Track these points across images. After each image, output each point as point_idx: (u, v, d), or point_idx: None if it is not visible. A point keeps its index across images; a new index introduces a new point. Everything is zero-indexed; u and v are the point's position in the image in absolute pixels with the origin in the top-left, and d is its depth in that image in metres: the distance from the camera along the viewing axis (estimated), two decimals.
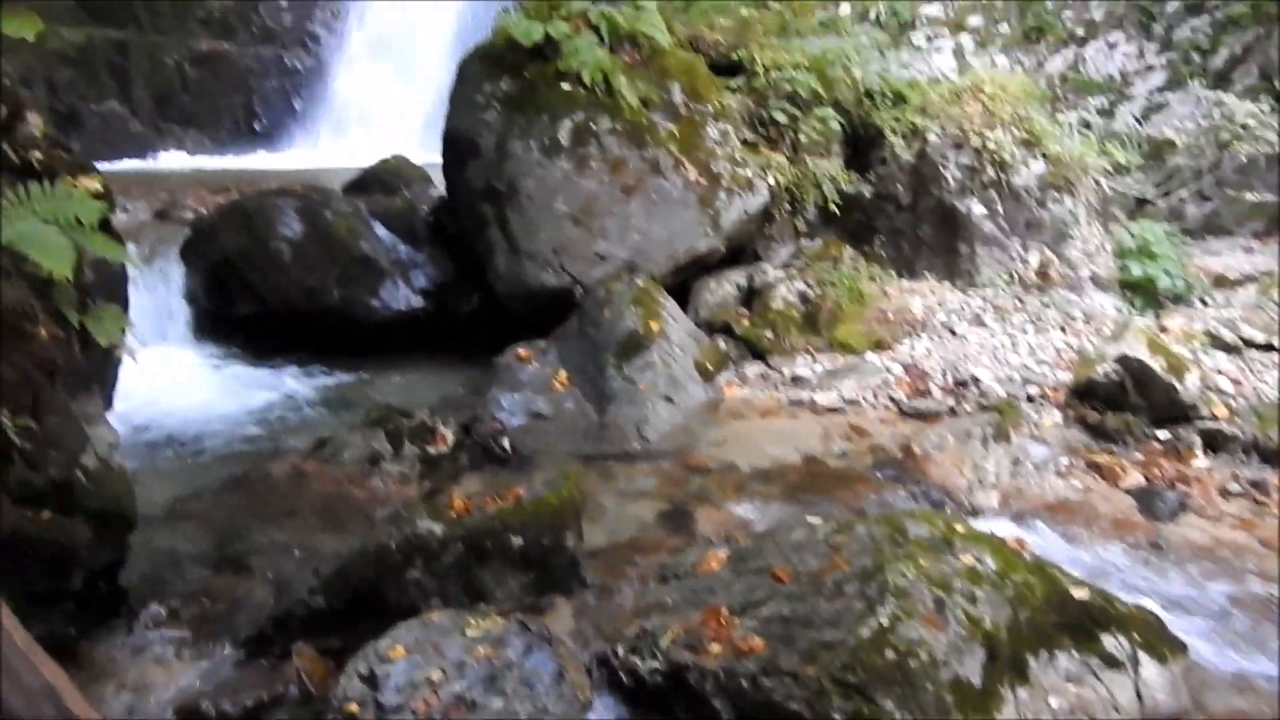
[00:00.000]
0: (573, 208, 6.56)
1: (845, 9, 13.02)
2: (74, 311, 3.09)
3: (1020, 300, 6.76)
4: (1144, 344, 5.38)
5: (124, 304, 4.10)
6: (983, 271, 6.97)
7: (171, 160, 12.98)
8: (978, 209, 6.96)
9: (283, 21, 15.72)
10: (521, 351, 6.19)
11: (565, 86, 6.71)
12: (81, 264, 3.09)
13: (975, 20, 11.38)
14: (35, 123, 3.26)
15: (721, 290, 6.98)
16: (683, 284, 6.90)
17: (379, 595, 3.51)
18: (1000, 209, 6.94)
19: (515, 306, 6.84)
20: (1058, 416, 5.55)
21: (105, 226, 3.27)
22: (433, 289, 7.34)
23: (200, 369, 6.80)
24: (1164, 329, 6.13)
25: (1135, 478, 4.94)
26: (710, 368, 6.25)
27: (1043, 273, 6.86)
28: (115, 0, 13.33)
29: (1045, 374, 6.01)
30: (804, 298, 6.76)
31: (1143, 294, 6.82)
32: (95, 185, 3.34)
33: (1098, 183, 7.21)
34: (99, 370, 3.55)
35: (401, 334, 7.20)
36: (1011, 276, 6.93)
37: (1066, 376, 5.85)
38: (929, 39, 11.56)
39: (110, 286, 3.77)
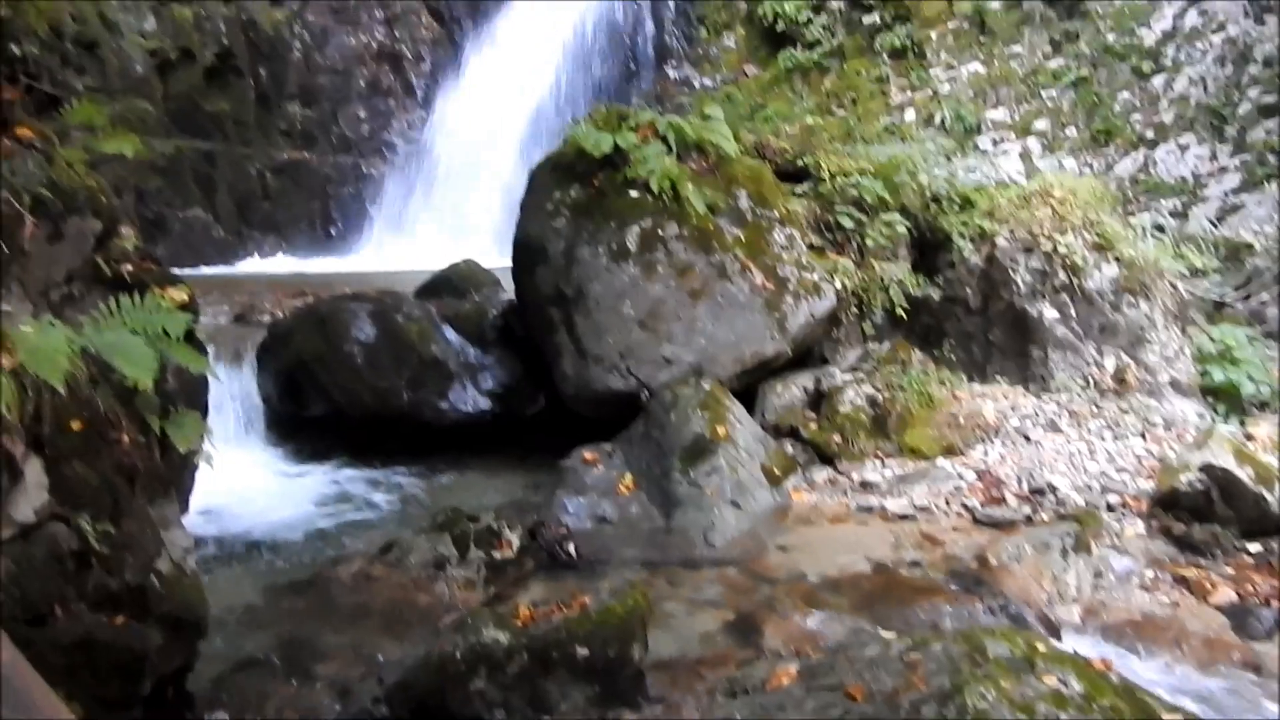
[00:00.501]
0: (640, 312, 6.60)
1: (910, 115, 13.20)
2: (155, 418, 3.16)
3: (1097, 406, 6.60)
4: (1230, 452, 5.20)
5: (203, 410, 4.18)
6: (1056, 376, 6.84)
7: (251, 265, 13.41)
8: (1050, 313, 6.87)
9: (361, 132, 16.36)
10: (587, 454, 6.19)
11: (633, 194, 6.82)
12: (164, 372, 3.18)
13: (1041, 124, 11.43)
14: (128, 236, 3.40)
15: (788, 393, 6.94)
16: (749, 387, 6.87)
17: (443, 705, 3.46)
18: (1073, 313, 6.85)
19: (581, 409, 6.87)
20: (1141, 527, 5.36)
21: (189, 335, 3.36)
22: (500, 391, 7.41)
23: (272, 470, 6.89)
24: (1250, 437, 5.93)
25: (1226, 593, 4.72)
26: (778, 472, 6.18)
27: (1120, 378, 6.71)
28: (204, 113, 14.02)
29: (1126, 482, 5.82)
30: (872, 401, 6.69)
31: (1226, 400, 6.63)
32: (182, 297, 3.45)
33: (1174, 286, 7.09)
34: (176, 475, 3.61)
35: (469, 436, 7.25)
36: (1087, 381, 6.78)
37: (1149, 485, 5.66)
38: (995, 142, 11.64)
39: (190, 392, 3.86)
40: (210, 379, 4.27)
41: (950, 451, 6.37)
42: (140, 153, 3.55)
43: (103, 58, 12.40)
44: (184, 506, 3.86)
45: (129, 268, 3.26)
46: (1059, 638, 4.15)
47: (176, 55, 13.98)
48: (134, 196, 11.94)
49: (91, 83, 11.37)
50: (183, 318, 3.22)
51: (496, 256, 9.56)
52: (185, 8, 14.34)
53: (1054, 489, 5.77)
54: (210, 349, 5.33)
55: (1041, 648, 3.34)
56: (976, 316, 7.16)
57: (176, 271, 4.09)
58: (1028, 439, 6.37)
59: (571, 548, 5.26)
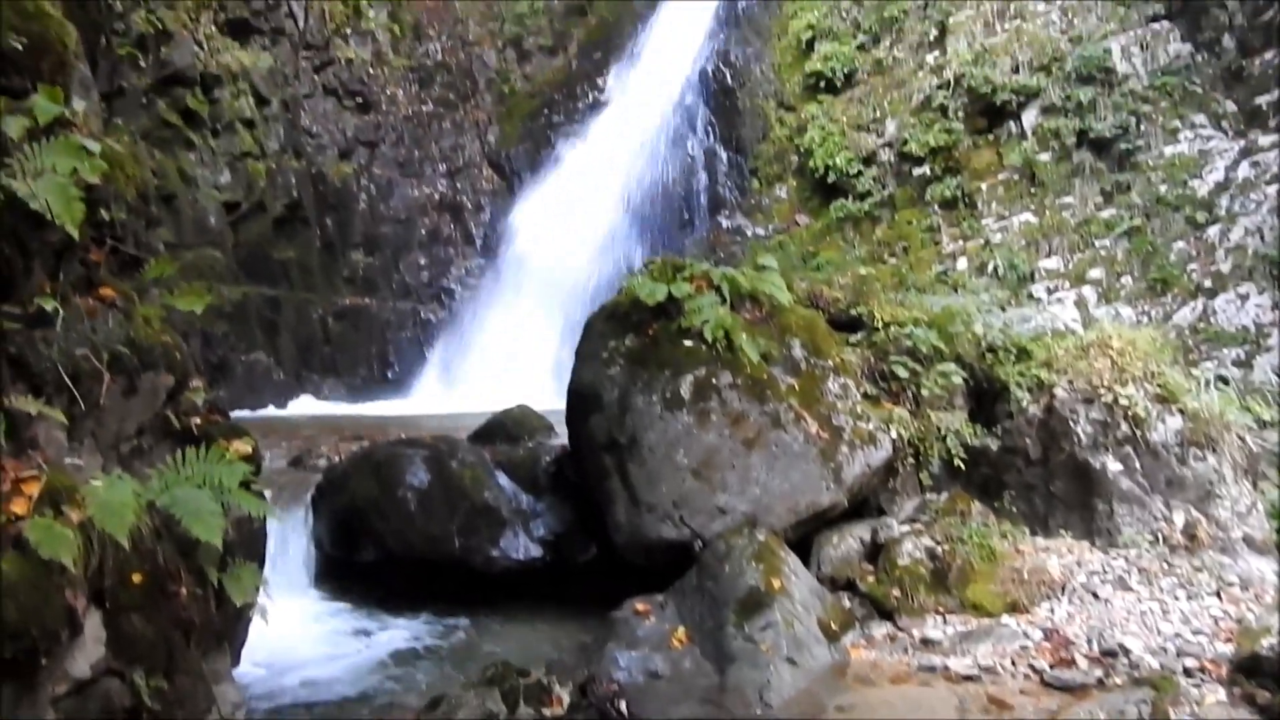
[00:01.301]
0: (693, 460, 6.57)
1: (962, 263, 13.33)
2: (214, 570, 3.17)
3: (1168, 563, 6.37)
4: None
5: (260, 561, 4.20)
6: (1123, 531, 6.64)
7: (309, 406, 13.65)
8: (1113, 465, 6.72)
9: (420, 278, 16.86)
10: (639, 606, 6.07)
11: (687, 343, 6.88)
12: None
13: (1096, 273, 11.45)
14: (198, 389, 3.48)
15: (845, 545, 6.79)
16: (804, 538, 6.74)
17: None
18: (1138, 466, 6.69)
19: (633, 558, 6.77)
20: (1221, 694, 5.08)
21: (251, 485, 3.39)
22: (551, 538, 7.36)
23: (322, 618, 6.85)
24: None
25: None
26: (835, 627, 5.99)
27: (1190, 534, 6.50)
28: (272, 261, 14.56)
29: (1203, 645, 5.55)
30: (932, 554, 6.51)
31: None
32: (246, 448, 3.51)
33: (1242, 439, 6.92)
34: (230, 627, 3.60)
35: (520, 583, 7.17)
36: (1156, 537, 6.57)
37: (1227, 649, 5.39)
38: (1049, 291, 11.67)
39: (249, 543, 3.88)
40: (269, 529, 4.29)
41: (1015, 608, 6.14)
42: (210, 303, 3.68)
43: (179, 210, 13.00)
44: (235, 659, 3.83)
45: (197, 420, 3.33)
46: None
47: (249, 206, 14.62)
48: (200, 341, 12.31)
49: (168, 234, 11.89)
50: (246, 468, 3.26)
51: (550, 400, 9.64)
52: (259, 162, 15.08)
53: (1126, 651, 5.51)
54: (267, 494, 5.39)
55: None
56: (1037, 467, 7.02)
57: (237, 413, 4.19)
58: (1096, 597, 6.13)
59: (623, 705, 5.10)
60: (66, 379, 2.82)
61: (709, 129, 17.01)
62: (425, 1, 20.47)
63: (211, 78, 15.07)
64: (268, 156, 15.41)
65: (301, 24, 16.39)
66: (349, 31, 18.02)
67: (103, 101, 7.35)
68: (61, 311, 2.86)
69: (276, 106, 16.11)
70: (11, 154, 2.86)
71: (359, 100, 17.81)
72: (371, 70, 18.29)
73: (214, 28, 15.61)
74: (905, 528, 6.78)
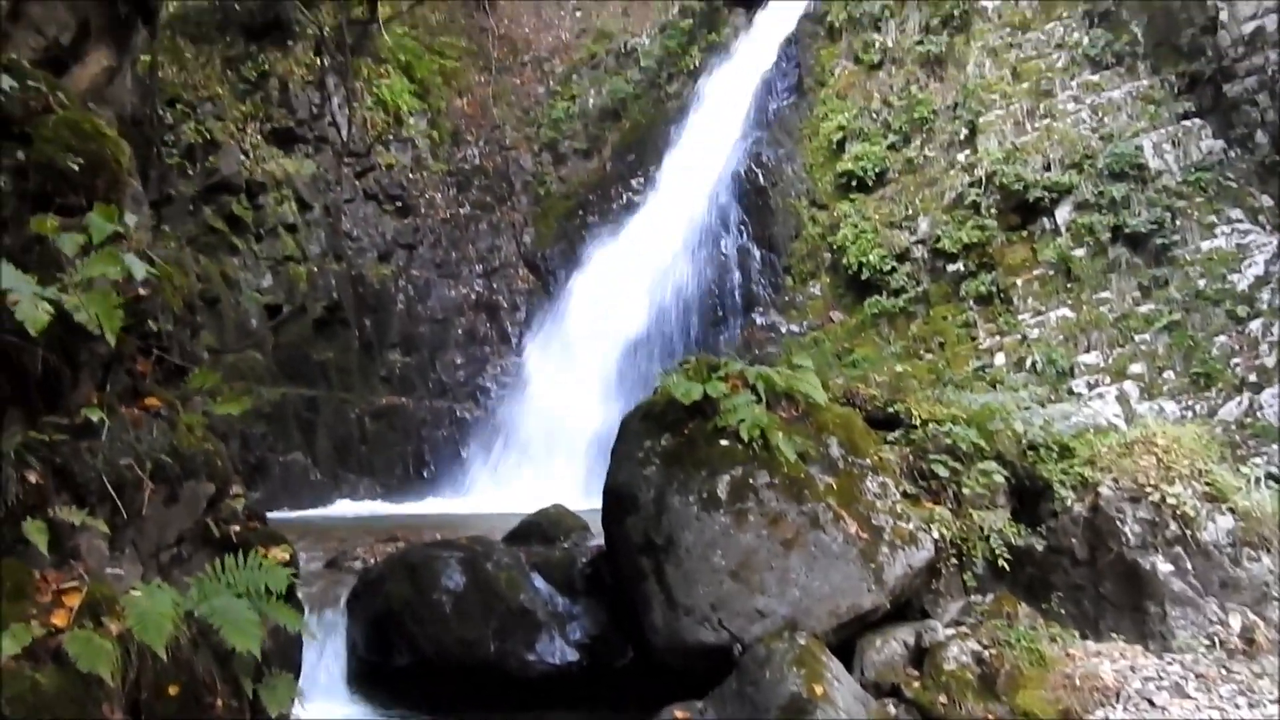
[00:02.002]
0: (731, 562, 6.47)
1: (999, 359, 13.25)
2: (250, 681, 3.14)
3: (1226, 668, 6.14)
4: None
5: (296, 670, 4.16)
6: (1177, 634, 6.43)
7: (345, 506, 13.68)
8: (1164, 566, 6.54)
9: (457, 377, 17.01)
10: (679, 713, 5.93)
11: (723, 442, 6.85)
12: None
13: (1137, 368, 11.33)
14: (238, 496, 3.50)
15: (888, 648, 6.62)
16: (846, 641, 6.58)
17: None
18: (1189, 567, 6.51)
19: (671, 662, 6.63)
20: None
21: (289, 593, 3.38)
22: (588, 642, 7.24)
23: None
24: None
25: None
26: None
27: (1248, 638, 6.28)
28: (311, 362, 14.78)
29: None
30: (979, 658, 6.33)
31: None
32: (284, 555, 3.51)
33: None
34: None
35: (555, 687, 7.03)
36: (1212, 641, 6.35)
37: None
38: (1089, 386, 11.54)
39: (285, 651, 3.84)
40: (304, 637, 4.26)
41: (1068, 716, 5.93)
42: (249, 405, 3.72)
43: (222, 313, 13.29)
44: None
45: (236, 528, 3.35)
46: None
47: (290, 309, 14.91)
48: (239, 442, 12.43)
49: (211, 338, 12.13)
50: (284, 574, 3.25)
51: (584, 500, 9.60)
52: (300, 265, 15.42)
53: None
54: (302, 597, 5.37)
55: None
56: (1085, 568, 6.85)
57: (274, 515, 4.19)
58: (1153, 704, 5.91)
59: None
60: (110, 489, 2.85)
61: (742, 228, 17.21)
62: (464, 108, 21.10)
63: (256, 184, 15.55)
64: (309, 260, 15.77)
65: (344, 133, 16.92)
66: (390, 138, 18.56)
67: (151, 209, 7.59)
68: (107, 421, 2.91)
69: (318, 211, 16.53)
70: (64, 269, 2.95)
71: (398, 204, 18.24)
72: (411, 175, 18.76)
73: (260, 137, 16.15)
74: (950, 631, 6.61)
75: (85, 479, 2.85)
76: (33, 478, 2.75)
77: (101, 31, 4.74)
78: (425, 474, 15.76)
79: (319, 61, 17.11)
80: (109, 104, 4.63)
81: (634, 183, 19.34)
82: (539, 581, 7.48)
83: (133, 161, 3.82)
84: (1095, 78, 14.99)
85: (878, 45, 17.99)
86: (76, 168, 3.23)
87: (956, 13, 17.01)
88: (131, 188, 3.67)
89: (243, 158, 15.48)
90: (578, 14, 24.56)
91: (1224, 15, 14.13)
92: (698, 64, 20.97)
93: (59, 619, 2.55)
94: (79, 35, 4.55)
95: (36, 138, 3.40)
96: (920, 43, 17.36)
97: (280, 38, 16.88)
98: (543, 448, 14.87)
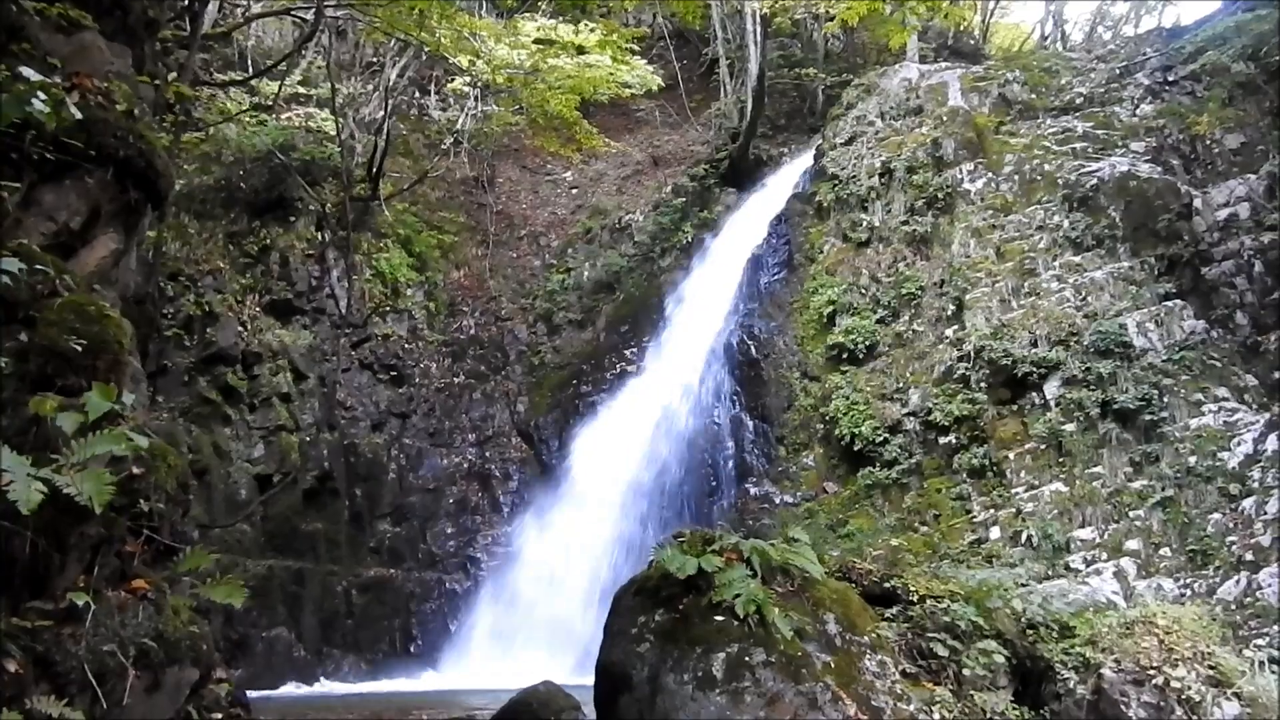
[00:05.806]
0: None
1: (995, 532, 13.14)
2: None
3: None
4: None
5: None
6: None
7: (329, 686, 13.25)
8: None
9: (447, 548, 16.77)
10: None
11: (719, 618, 6.70)
12: None
13: (1133, 544, 11.22)
14: (222, 682, 3.40)
15: None
16: None
17: None
18: None
19: None
20: None
21: None
22: None
23: None
24: None
25: None
26: None
27: None
28: (300, 533, 14.58)
29: None
30: None
31: None
32: None
33: None
34: None
35: None
36: None
37: None
38: (1087, 562, 11.40)
39: None
40: None
41: None
42: (243, 596, 3.65)
43: (211, 485, 13.19)
44: None
45: (218, 716, 3.23)
46: None
47: (279, 479, 14.82)
48: (222, 618, 12.15)
49: (199, 512, 12.01)
50: None
51: (577, 675, 9.31)
52: (293, 435, 15.43)
53: None
54: None
55: None
56: None
57: (255, 694, 4.04)
58: None
59: None
60: (91, 678, 2.77)
61: (735, 398, 17.36)
62: (461, 280, 21.58)
63: (252, 355, 15.73)
64: (301, 429, 15.78)
65: (343, 305, 17.25)
66: (387, 309, 18.91)
67: (147, 380, 7.65)
68: (93, 605, 2.85)
69: (314, 381, 16.67)
70: (60, 449, 2.96)
71: (393, 374, 18.43)
72: (407, 345, 19.02)
73: (258, 309, 16.44)
74: None
75: (66, 667, 2.76)
76: (12, 666, 2.67)
77: (111, 216, 4.88)
78: (413, 648, 15.33)
79: (320, 236, 17.61)
80: (113, 285, 4.74)
81: (628, 353, 19.62)
82: None
83: (133, 340, 3.88)
84: (1077, 259, 15.44)
85: (865, 224, 18.63)
86: (79, 349, 3.28)
87: (941, 195, 17.68)
88: (131, 367, 3.71)
89: (240, 329, 15.71)
90: (574, 191, 25.48)
91: (1198, 202, 14.71)
92: (690, 239, 21.63)
93: None
94: (89, 220, 4.68)
95: (41, 321, 3.47)
96: (906, 222, 17.99)
97: (283, 214, 17.43)
98: (534, 621, 14.53)
